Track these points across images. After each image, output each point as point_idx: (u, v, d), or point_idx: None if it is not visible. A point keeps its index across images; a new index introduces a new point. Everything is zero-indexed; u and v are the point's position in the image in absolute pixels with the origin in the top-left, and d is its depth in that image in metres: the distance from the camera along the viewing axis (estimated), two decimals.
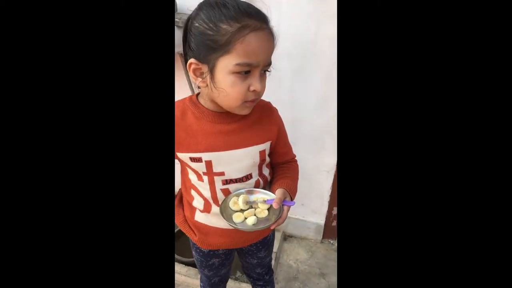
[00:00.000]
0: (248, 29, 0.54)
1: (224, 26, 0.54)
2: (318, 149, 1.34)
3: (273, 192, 0.70)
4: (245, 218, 0.67)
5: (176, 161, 0.70)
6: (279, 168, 0.80)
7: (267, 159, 0.76)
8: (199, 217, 0.76)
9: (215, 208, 0.72)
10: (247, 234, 0.78)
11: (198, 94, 0.70)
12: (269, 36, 0.57)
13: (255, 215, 0.68)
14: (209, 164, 0.67)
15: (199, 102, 0.68)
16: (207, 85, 0.60)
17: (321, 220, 1.52)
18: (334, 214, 1.50)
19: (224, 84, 0.57)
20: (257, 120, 0.69)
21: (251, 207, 0.70)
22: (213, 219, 0.75)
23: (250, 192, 0.71)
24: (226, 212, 0.68)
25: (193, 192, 0.74)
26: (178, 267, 1.35)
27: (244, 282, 1.30)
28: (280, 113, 1.39)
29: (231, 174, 0.69)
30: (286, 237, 1.60)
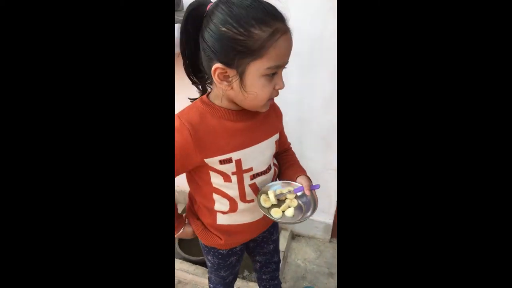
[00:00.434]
0: (279, 34, 0.55)
1: (256, 32, 0.53)
2: (325, 148, 1.32)
3: (293, 181, 0.74)
4: (283, 212, 0.70)
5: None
6: (283, 157, 0.83)
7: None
8: (223, 219, 0.75)
9: (241, 205, 0.72)
10: (265, 220, 0.79)
11: (208, 94, 0.68)
12: (291, 37, 0.59)
13: (289, 207, 0.71)
14: (238, 162, 0.67)
15: (213, 103, 0.66)
16: (232, 88, 0.59)
17: (329, 220, 1.51)
18: None
19: (255, 87, 0.58)
20: (267, 113, 0.71)
21: (279, 200, 0.73)
22: (238, 217, 0.75)
23: (273, 186, 0.74)
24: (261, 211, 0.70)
25: (215, 196, 0.72)
26: (185, 266, 1.36)
27: (251, 281, 1.30)
28: (287, 112, 1.38)
29: (258, 168, 0.71)
30: (294, 236, 1.59)
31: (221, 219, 0.75)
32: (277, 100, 0.75)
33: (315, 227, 1.55)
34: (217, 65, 0.57)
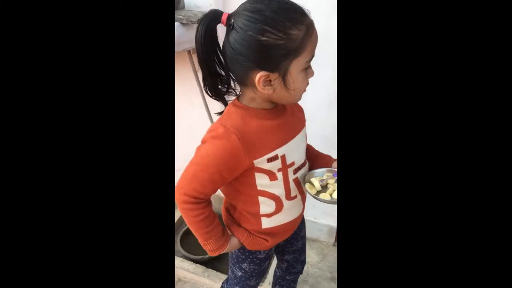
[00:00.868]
0: (312, 28, 0.58)
1: (294, 32, 0.55)
2: (329, 149, 1.28)
3: (327, 167, 0.79)
4: (330, 195, 0.74)
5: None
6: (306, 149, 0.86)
7: None
8: (267, 222, 0.75)
9: (286, 204, 0.74)
10: (302, 212, 0.83)
11: (237, 98, 0.68)
12: None
13: (334, 190, 0.76)
14: (283, 158, 0.68)
15: (248, 106, 0.66)
16: (274, 91, 0.60)
17: (334, 223, 1.47)
18: None
19: (298, 83, 0.60)
20: (292, 108, 0.74)
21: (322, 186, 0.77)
22: (282, 217, 0.76)
23: (313, 174, 0.78)
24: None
25: (260, 199, 0.72)
26: (186, 264, 1.36)
27: None
28: None
29: (298, 161, 0.73)
30: None
31: (266, 223, 0.75)
32: None
33: (319, 230, 1.51)
34: (261, 73, 0.57)
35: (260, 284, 1.30)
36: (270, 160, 0.66)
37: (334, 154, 1.29)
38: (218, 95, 0.69)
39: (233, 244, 0.77)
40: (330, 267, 1.42)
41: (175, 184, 0.65)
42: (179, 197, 0.66)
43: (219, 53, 0.62)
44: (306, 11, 0.59)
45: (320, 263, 1.44)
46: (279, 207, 0.73)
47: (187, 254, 1.39)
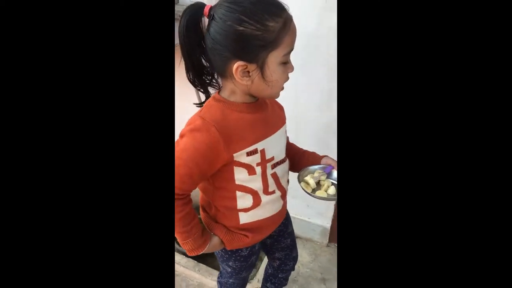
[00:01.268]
0: (289, 21, 0.59)
1: (271, 24, 0.56)
2: (322, 149, 1.25)
3: (316, 164, 0.82)
4: (326, 192, 0.77)
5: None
6: (288, 147, 0.85)
7: None
8: (245, 218, 0.75)
9: (264, 198, 0.74)
10: (282, 211, 0.84)
11: (218, 92, 0.69)
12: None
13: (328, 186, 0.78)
14: (263, 152, 0.69)
15: (228, 100, 0.66)
16: (252, 82, 0.61)
17: (327, 224, 1.46)
18: None
19: (276, 75, 0.61)
20: (272, 104, 0.75)
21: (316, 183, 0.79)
22: (261, 212, 0.76)
23: (305, 173, 0.80)
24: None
25: (238, 194, 0.72)
26: (177, 258, 1.38)
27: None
28: None
29: (278, 157, 0.73)
30: None
31: (244, 218, 0.75)
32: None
33: (312, 230, 1.50)
34: (238, 63, 0.58)
35: (250, 281, 1.31)
36: (249, 154, 0.66)
37: (327, 154, 1.28)
38: (202, 86, 0.69)
39: (213, 243, 0.77)
40: (321, 268, 1.41)
41: None
42: None
43: (203, 45, 0.63)
44: (284, 5, 0.60)
45: (312, 264, 1.43)
46: (256, 202, 0.73)
47: (179, 248, 1.41)
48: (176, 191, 0.65)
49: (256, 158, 0.68)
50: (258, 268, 1.37)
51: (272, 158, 0.71)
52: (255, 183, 0.71)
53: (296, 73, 1.15)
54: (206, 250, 0.75)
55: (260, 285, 1.21)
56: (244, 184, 0.71)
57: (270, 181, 0.73)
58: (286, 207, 0.89)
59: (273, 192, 0.75)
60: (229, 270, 0.90)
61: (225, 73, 0.63)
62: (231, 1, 0.57)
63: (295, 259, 1.02)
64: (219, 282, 1.01)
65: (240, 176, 0.69)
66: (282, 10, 0.58)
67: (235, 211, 0.74)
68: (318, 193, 0.76)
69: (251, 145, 0.66)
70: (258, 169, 0.69)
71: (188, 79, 0.68)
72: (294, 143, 1.31)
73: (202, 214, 0.82)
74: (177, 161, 0.63)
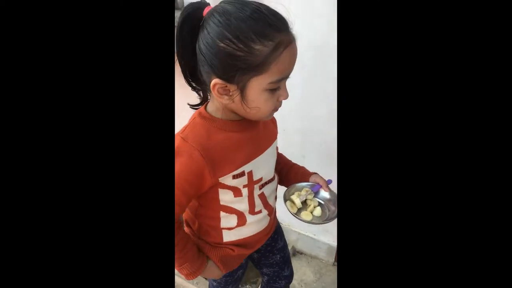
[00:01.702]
0: (282, 47, 0.50)
1: (257, 47, 0.49)
2: (330, 163, 1.21)
3: (304, 181, 0.76)
4: (311, 213, 0.72)
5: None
6: (277, 160, 0.79)
7: None
8: (228, 236, 0.72)
9: (250, 218, 0.69)
10: (269, 226, 0.79)
11: (205, 107, 0.64)
12: (296, 46, 0.53)
13: (314, 206, 0.74)
14: (250, 174, 0.64)
15: (215, 117, 0.61)
16: (233, 102, 0.55)
17: (333, 242, 1.39)
18: None
19: (258, 102, 0.54)
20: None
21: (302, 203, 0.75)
22: (245, 230, 0.72)
23: (292, 191, 0.75)
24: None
25: (222, 214, 0.68)
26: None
27: None
28: (290, 123, 1.31)
29: (266, 177, 0.68)
30: (295, 253, 1.50)
31: (228, 236, 0.72)
32: (278, 111, 0.69)
33: (318, 247, 1.44)
34: (216, 80, 0.53)
35: None
36: (236, 176, 0.62)
37: (334, 169, 1.22)
38: (197, 89, 0.64)
39: (209, 267, 0.72)
40: None
41: None
42: None
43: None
44: (285, 24, 0.52)
45: (316, 283, 1.37)
46: (241, 222, 0.69)
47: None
48: None
49: (243, 180, 0.63)
50: (243, 277, 1.32)
51: (260, 179, 0.66)
52: (241, 205, 0.67)
53: (303, 85, 1.13)
54: (203, 274, 0.71)
55: None
56: (229, 205, 0.67)
57: (257, 202, 0.69)
58: (274, 222, 0.84)
59: (259, 211, 0.71)
60: (215, 284, 0.87)
61: (209, 87, 0.56)
62: (222, 12, 0.50)
63: (287, 278, 0.95)
64: None
65: (225, 197, 0.65)
66: (277, 32, 0.50)
67: (218, 229, 0.71)
68: (303, 214, 0.71)
69: (238, 168, 0.61)
70: (245, 191, 0.65)
71: (185, 78, 0.63)
72: (301, 156, 1.27)
73: (186, 229, 0.79)
74: None
